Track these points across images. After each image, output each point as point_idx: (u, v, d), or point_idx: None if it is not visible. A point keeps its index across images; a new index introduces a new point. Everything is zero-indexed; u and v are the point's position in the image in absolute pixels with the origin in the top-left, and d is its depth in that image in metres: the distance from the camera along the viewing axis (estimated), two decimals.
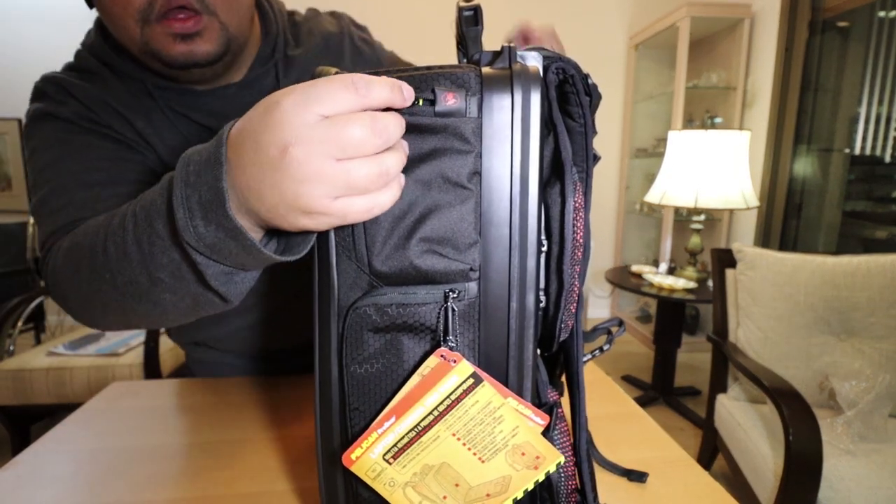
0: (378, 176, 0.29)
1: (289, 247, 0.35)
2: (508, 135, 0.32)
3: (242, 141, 0.30)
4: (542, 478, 0.35)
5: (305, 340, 0.73)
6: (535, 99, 0.31)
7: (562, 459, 0.35)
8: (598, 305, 3.47)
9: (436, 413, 0.33)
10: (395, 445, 0.33)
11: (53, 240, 0.52)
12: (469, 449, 0.34)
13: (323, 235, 0.34)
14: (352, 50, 0.72)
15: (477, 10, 0.34)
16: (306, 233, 0.33)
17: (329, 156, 0.28)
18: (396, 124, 0.29)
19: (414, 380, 0.33)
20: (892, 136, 2.13)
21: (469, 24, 0.34)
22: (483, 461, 0.34)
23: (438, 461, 0.34)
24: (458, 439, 0.33)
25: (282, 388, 0.71)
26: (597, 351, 0.45)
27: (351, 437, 0.35)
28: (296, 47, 0.67)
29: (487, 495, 0.35)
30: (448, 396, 0.32)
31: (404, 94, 0.30)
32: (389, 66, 0.77)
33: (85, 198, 0.54)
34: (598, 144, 3.26)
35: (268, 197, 0.29)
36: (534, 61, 0.35)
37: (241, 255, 0.33)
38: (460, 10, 0.34)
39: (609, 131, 3.27)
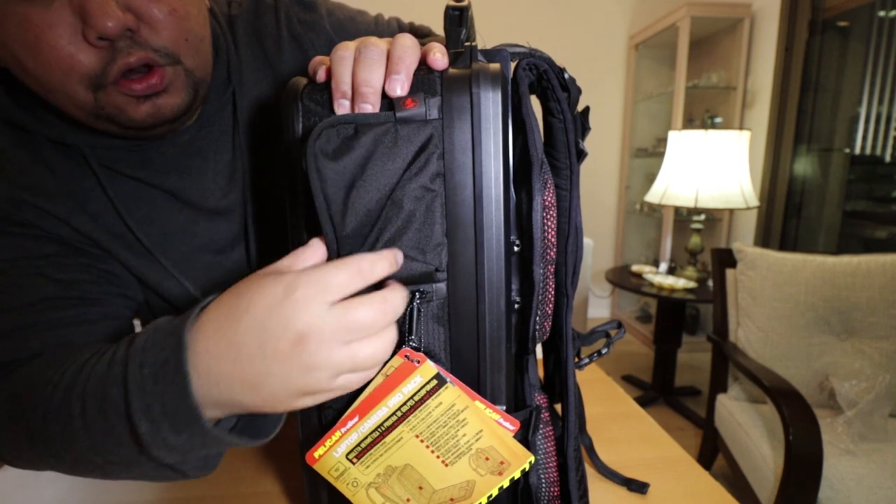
0: (383, 352, 0.30)
1: (253, 424, 0.35)
2: (470, 135, 0.31)
3: (239, 335, 0.28)
4: (506, 484, 0.35)
5: None
6: (496, 98, 0.31)
7: (528, 464, 0.34)
8: (599, 305, 3.47)
9: (399, 414, 0.32)
10: (358, 445, 0.33)
11: None
12: (432, 451, 0.33)
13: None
14: (289, 36, 0.55)
15: (463, 12, 0.33)
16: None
17: (340, 341, 0.28)
18: (403, 299, 0.30)
19: (378, 379, 0.32)
20: (892, 136, 2.13)
21: (453, 24, 0.34)
22: (446, 464, 0.34)
23: (402, 463, 0.34)
24: (422, 441, 0.33)
25: None
26: (595, 354, 0.45)
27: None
28: (235, 52, 0.53)
29: (451, 500, 0.35)
30: (411, 397, 0.32)
31: (398, 260, 0.31)
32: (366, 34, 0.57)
33: (35, 320, 0.42)
34: (598, 144, 3.25)
35: (268, 388, 0.28)
36: (501, 59, 0.35)
37: (214, 449, 0.33)
38: (447, 9, 0.34)
39: (609, 131, 3.26)
